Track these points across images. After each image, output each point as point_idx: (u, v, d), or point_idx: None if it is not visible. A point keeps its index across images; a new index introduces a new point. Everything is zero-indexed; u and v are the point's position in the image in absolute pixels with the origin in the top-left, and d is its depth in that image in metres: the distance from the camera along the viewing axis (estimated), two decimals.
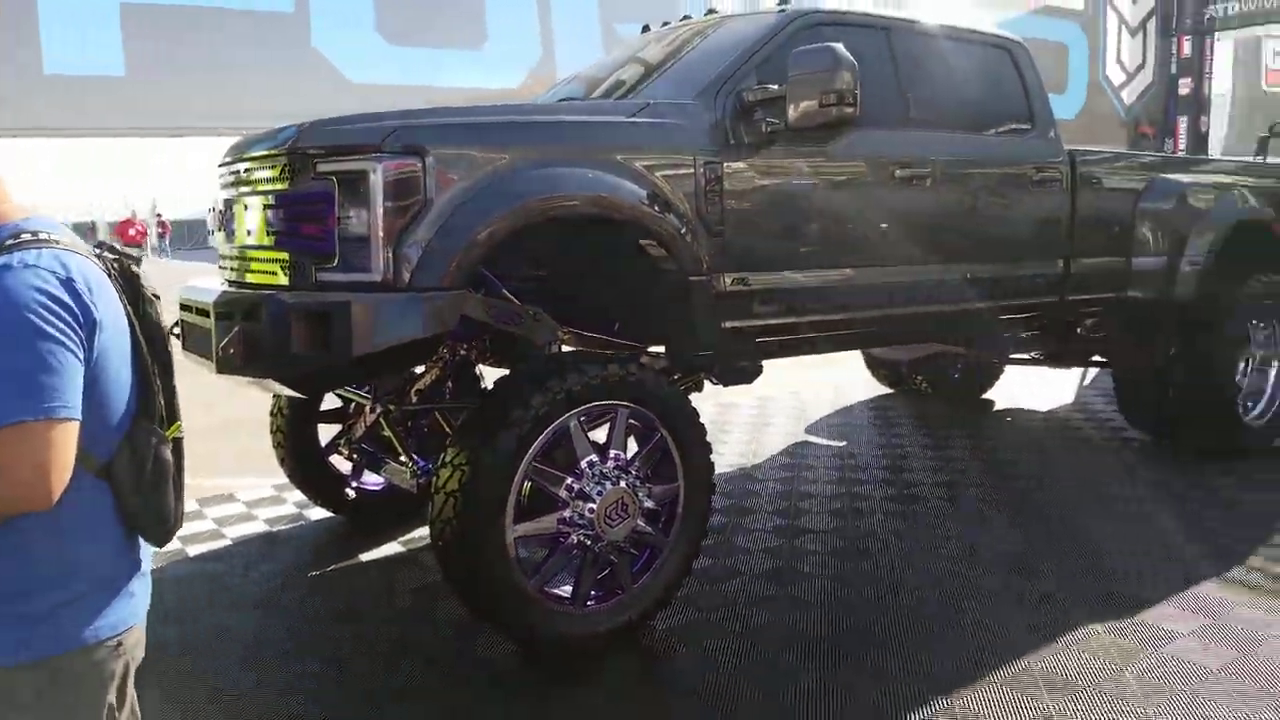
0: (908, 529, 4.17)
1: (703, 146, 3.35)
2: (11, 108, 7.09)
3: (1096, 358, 5.70)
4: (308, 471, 4.26)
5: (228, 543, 4.13)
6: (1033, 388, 7.02)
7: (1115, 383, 5.53)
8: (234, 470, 5.07)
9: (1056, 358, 5.88)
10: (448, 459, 2.93)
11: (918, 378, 6.76)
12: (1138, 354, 5.28)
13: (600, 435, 3.16)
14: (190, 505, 4.54)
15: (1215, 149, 13.39)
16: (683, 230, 3.24)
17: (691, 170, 3.32)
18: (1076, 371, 7.28)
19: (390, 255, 2.82)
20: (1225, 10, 10.38)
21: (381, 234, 2.81)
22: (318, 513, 4.42)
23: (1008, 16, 9.84)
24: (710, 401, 6.64)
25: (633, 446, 3.24)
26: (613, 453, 3.11)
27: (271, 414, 4.28)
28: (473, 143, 2.96)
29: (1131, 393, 5.45)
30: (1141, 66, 11.25)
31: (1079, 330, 5.56)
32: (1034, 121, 4.53)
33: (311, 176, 2.91)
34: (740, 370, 3.94)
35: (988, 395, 6.89)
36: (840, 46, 3.29)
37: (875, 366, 6.96)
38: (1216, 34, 10.87)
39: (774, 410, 6.56)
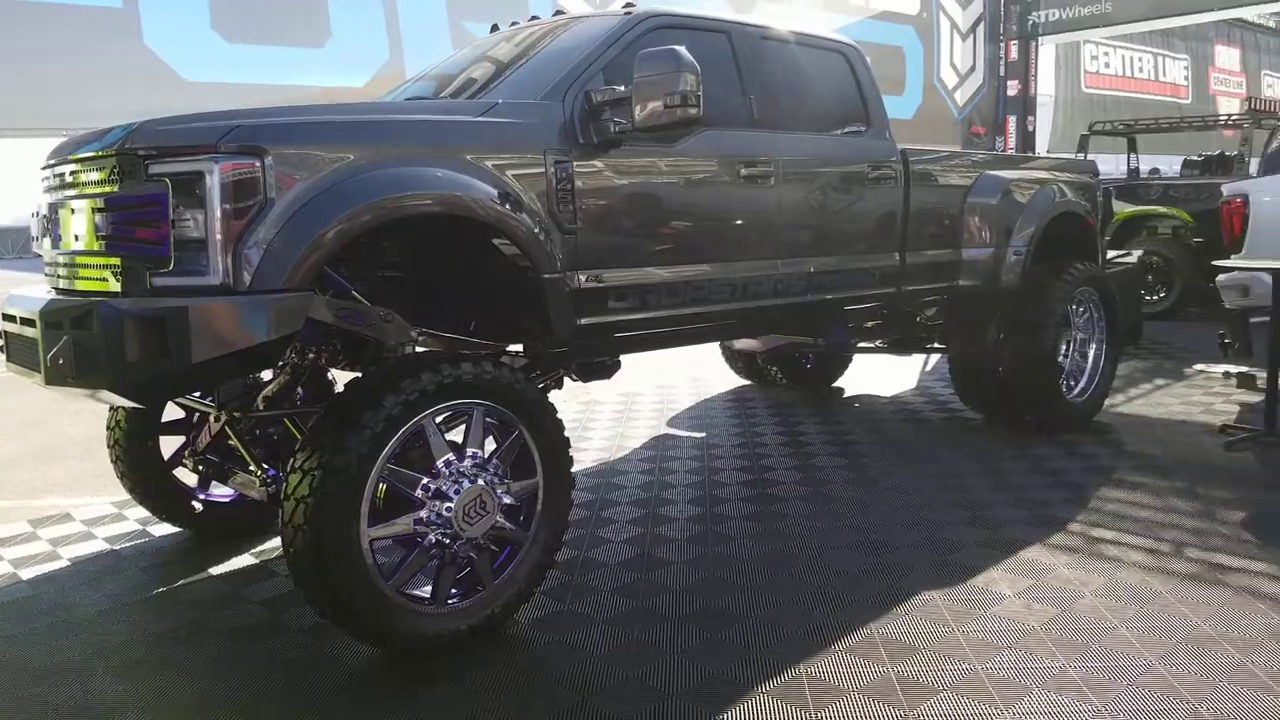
0: (761, 512, 4.34)
1: (553, 145, 3.40)
2: None
3: (935, 345, 6.08)
4: (150, 486, 4.07)
5: (65, 564, 3.91)
6: (878, 374, 7.39)
7: (950, 367, 5.89)
8: (69, 491, 4.80)
9: (900, 346, 6.24)
10: (298, 464, 2.88)
11: (771, 368, 7.01)
12: (969, 340, 5.65)
13: (458, 435, 3.16)
14: (21, 527, 4.27)
15: (1042, 147, 14.43)
16: (535, 229, 3.28)
17: (542, 169, 3.36)
18: (919, 358, 7.71)
19: (229, 258, 2.74)
20: (1046, 17, 11.18)
21: (220, 236, 2.74)
22: (163, 529, 4.23)
23: (848, 21, 10.32)
24: (574, 398, 6.71)
25: (491, 444, 3.26)
26: (470, 451, 3.12)
27: (109, 428, 4.07)
28: (315, 142, 2.92)
29: (965, 376, 5.82)
30: (973, 69, 12.00)
31: (919, 319, 5.93)
32: (870, 121, 4.79)
33: (144, 178, 2.81)
34: (599, 365, 4.03)
35: (838, 383, 7.22)
36: (683, 49, 3.39)
37: (732, 359, 7.18)
38: (1040, 39, 11.69)
39: (638, 405, 6.68)
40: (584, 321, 3.55)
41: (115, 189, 2.86)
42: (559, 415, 3.36)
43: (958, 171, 5.34)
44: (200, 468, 3.91)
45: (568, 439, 3.38)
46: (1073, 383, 5.88)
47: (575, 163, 3.45)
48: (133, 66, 7.35)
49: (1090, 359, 5.98)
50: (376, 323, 3.19)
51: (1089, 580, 3.51)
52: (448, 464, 3.05)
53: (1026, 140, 12.29)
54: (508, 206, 3.21)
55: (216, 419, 3.67)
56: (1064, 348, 5.81)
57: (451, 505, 3.01)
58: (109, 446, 4.06)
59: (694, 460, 5.24)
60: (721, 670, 2.89)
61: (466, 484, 3.05)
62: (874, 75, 4.88)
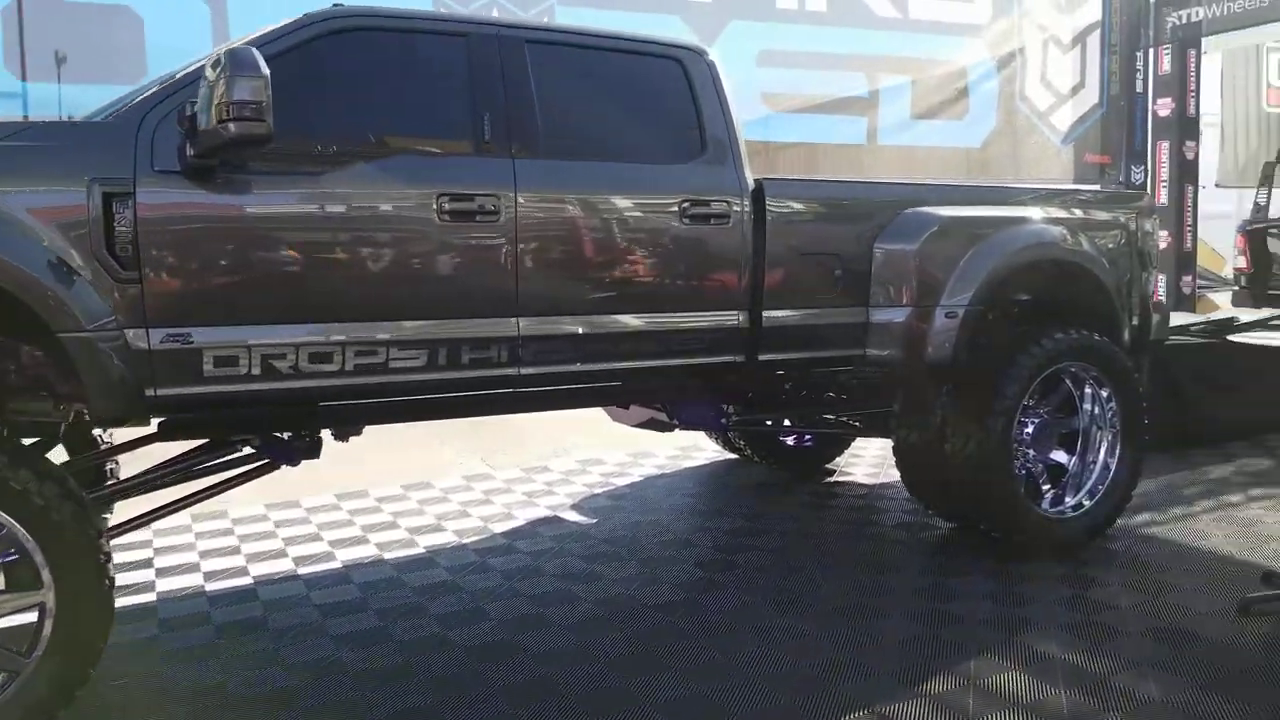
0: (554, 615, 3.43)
1: (103, 174, 2.75)
2: None
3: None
4: None
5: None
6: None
7: (894, 454, 4.53)
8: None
9: (875, 426, 4.94)
10: None
11: (740, 443, 5.89)
12: (903, 424, 4.33)
13: None
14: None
15: (1208, 177, 11.71)
16: (43, 275, 2.64)
17: (82, 202, 2.73)
18: None
19: None
20: (1210, 13, 8.92)
21: None
22: None
23: (883, 33, 8.83)
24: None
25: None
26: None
27: None
28: None
29: (910, 470, 4.46)
30: (1080, 86, 9.81)
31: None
32: (704, 145, 3.73)
33: None
34: (287, 445, 3.36)
35: (835, 464, 5.96)
36: (246, 50, 2.66)
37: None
38: (1204, 47, 9.39)
39: (585, 477, 5.82)
40: (163, 393, 2.87)
41: None
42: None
43: (862, 208, 4.07)
44: None
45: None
46: (1070, 492, 4.35)
47: (141, 194, 2.78)
48: None
49: (1099, 461, 4.40)
50: None
51: None
52: None
53: (1185, 170, 9.81)
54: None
55: None
56: (1063, 444, 4.37)
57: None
58: None
59: (535, 553, 4.35)
60: None
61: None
62: (724, 88, 3.80)
